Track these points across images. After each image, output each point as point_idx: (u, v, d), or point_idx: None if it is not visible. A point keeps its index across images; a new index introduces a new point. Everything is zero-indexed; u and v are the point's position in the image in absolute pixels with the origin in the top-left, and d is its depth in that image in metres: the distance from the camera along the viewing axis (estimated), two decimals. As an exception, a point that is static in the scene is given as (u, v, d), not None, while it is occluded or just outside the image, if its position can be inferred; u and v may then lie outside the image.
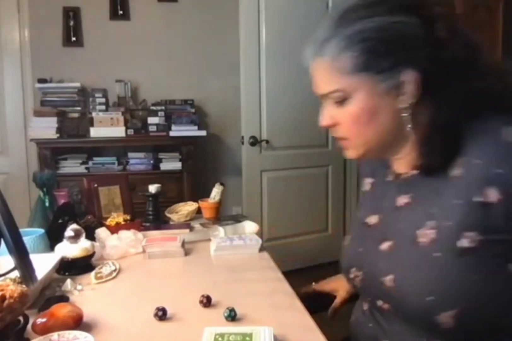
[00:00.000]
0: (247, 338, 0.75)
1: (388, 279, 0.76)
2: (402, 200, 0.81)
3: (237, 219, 1.62)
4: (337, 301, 1.11)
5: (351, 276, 0.88)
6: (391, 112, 0.75)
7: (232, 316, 0.86)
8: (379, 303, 0.81)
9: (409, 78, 0.72)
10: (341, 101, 0.76)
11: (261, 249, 1.33)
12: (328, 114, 0.80)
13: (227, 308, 0.87)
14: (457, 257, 0.69)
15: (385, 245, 0.80)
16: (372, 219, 0.88)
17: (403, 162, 0.82)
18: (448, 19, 0.73)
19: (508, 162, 0.68)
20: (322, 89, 0.78)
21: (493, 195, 0.67)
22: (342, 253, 0.94)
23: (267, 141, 3.02)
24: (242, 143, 2.97)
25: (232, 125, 3.23)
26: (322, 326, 0.89)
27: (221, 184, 1.73)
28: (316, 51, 0.77)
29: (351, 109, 0.76)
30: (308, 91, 3.00)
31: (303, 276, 2.48)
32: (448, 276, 0.70)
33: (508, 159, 0.68)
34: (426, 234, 0.73)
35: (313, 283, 1.19)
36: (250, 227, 1.49)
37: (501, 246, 0.68)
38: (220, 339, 0.75)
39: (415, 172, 0.80)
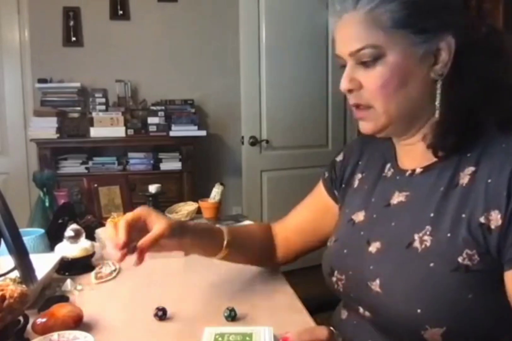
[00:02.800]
0: (247, 338, 0.75)
1: (375, 284, 0.72)
2: (398, 198, 0.77)
3: (237, 219, 1.62)
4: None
5: (334, 279, 0.82)
6: (422, 81, 0.70)
7: (232, 316, 0.86)
8: (360, 311, 0.77)
9: (446, 46, 0.68)
10: (370, 61, 0.69)
11: (261, 249, 1.33)
12: (351, 77, 0.72)
13: (227, 308, 0.87)
14: (453, 271, 0.65)
15: (373, 246, 0.76)
16: (359, 216, 0.83)
17: (412, 156, 0.78)
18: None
19: None
20: (351, 45, 0.70)
21: (495, 219, 0.64)
22: (324, 255, 0.88)
23: (267, 141, 3.01)
24: (242, 143, 2.97)
25: (232, 125, 3.23)
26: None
27: (221, 184, 1.73)
28: (351, 4, 0.69)
29: (381, 71, 0.69)
30: (308, 91, 3.02)
31: (303, 276, 2.48)
32: (441, 289, 0.66)
33: None
34: (424, 240, 0.69)
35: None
36: (250, 227, 1.49)
37: (496, 269, 0.65)
38: (220, 339, 0.75)
39: (420, 169, 0.76)
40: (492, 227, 0.64)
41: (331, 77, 3.18)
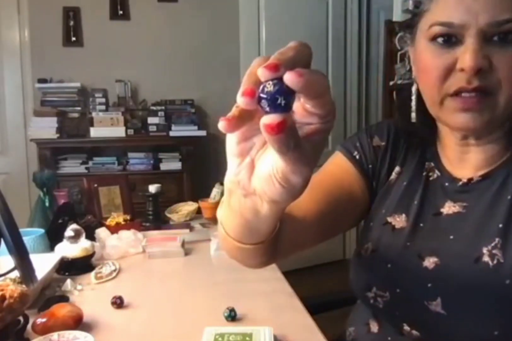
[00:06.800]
0: (247, 338, 0.75)
1: (436, 304, 0.64)
2: (452, 208, 0.68)
3: (237, 219, 1.62)
4: None
5: (370, 295, 0.72)
6: None
7: (232, 316, 0.86)
8: (405, 328, 0.68)
9: None
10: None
11: (261, 249, 1.33)
12: (485, 54, 0.57)
13: (227, 308, 0.87)
14: None
15: (429, 261, 0.67)
16: (398, 221, 0.72)
17: (467, 161, 0.69)
18: None
19: None
20: (494, 14, 0.56)
21: None
22: (357, 264, 0.76)
23: (267, 141, 3.01)
24: (242, 143, 2.97)
25: (232, 125, 3.22)
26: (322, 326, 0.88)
27: (221, 184, 1.73)
28: None
29: None
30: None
31: (303, 276, 2.48)
32: None
33: None
34: (495, 254, 0.62)
35: None
36: (250, 227, 1.49)
37: None
38: (220, 339, 0.75)
39: (478, 178, 0.68)
40: None
41: (331, 77, 3.19)
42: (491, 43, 0.58)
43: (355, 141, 0.81)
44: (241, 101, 0.32)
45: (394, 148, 0.78)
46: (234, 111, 0.34)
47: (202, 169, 3.19)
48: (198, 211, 1.71)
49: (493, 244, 0.62)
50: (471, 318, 0.61)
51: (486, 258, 0.62)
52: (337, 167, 0.80)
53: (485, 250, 0.63)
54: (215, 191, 1.71)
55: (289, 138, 0.31)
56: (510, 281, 0.59)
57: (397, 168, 0.77)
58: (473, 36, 0.58)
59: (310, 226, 0.72)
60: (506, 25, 0.56)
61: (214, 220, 1.64)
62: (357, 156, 0.79)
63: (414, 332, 0.68)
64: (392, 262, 0.71)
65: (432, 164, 0.74)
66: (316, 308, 1.01)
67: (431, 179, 0.73)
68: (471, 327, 0.61)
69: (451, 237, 0.67)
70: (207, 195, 1.72)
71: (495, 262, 0.61)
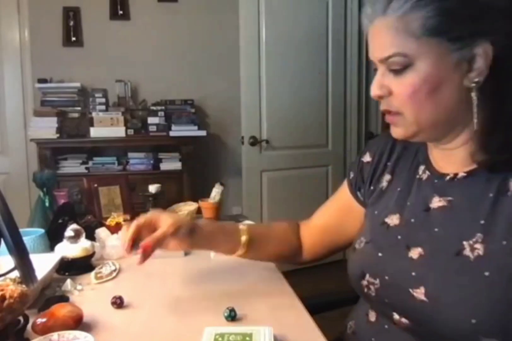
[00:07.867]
0: (247, 338, 0.75)
1: (419, 292, 0.68)
2: (438, 202, 0.73)
3: (237, 219, 1.62)
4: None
5: (364, 283, 0.78)
6: (455, 89, 0.66)
7: (232, 316, 0.86)
8: (395, 317, 0.73)
9: (482, 52, 0.63)
10: (400, 69, 0.66)
11: (261, 249, 1.32)
12: (382, 83, 0.69)
13: (227, 308, 0.87)
14: (510, 281, 0.62)
15: (414, 252, 0.72)
16: (393, 219, 0.79)
17: (451, 160, 0.74)
18: None
19: None
20: (381, 52, 0.68)
21: None
22: (353, 257, 0.84)
23: (267, 141, 3.02)
24: (242, 143, 2.97)
25: (232, 125, 3.23)
26: (323, 326, 0.88)
27: (221, 184, 1.73)
28: (381, 9, 0.66)
29: (411, 79, 0.66)
30: (308, 91, 3.04)
31: (303, 276, 2.47)
32: (498, 299, 0.62)
33: None
34: (476, 248, 0.65)
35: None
36: (250, 227, 1.49)
37: None
38: (220, 339, 0.75)
39: (463, 174, 0.72)
40: None
41: (331, 77, 3.19)
42: (390, 74, 0.69)
43: (356, 160, 0.94)
44: (126, 252, 0.85)
45: (379, 162, 0.88)
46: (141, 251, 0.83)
47: (202, 169, 3.20)
48: (198, 211, 1.71)
49: (474, 239, 0.66)
50: (450, 307, 0.65)
51: (467, 252, 0.66)
52: (341, 188, 0.98)
53: (466, 244, 0.67)
54: (215, 191, 1.71)
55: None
56: (489, 273, 0.63)
57: (387, 177, 0.85)
58: (378, 69, 0.71)
59: (320, 238, 1.02)
60: (389, 60, 0.67)
61: (214, 220, 1.64)
62: (351, 175, 0.94)
63: (404, 320, 0.72)
64: (383, 251, 0.78)
65: (423, 166, 0.79)
66: (316, 308, 1.01)
67: (423, 179, 0.78)
68: (451, 315, 0.64)
69: (436, 229, 0.72)
70: (207, 195, 1.72)
71: (475, 255, 0.65)
